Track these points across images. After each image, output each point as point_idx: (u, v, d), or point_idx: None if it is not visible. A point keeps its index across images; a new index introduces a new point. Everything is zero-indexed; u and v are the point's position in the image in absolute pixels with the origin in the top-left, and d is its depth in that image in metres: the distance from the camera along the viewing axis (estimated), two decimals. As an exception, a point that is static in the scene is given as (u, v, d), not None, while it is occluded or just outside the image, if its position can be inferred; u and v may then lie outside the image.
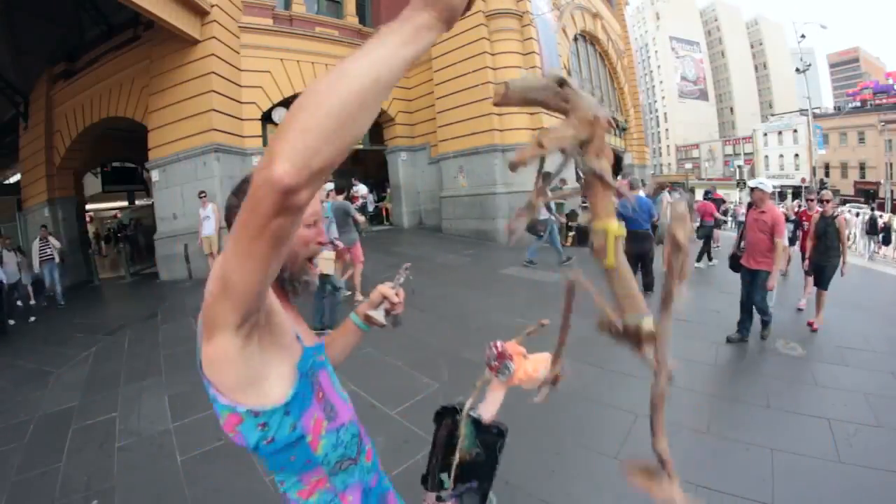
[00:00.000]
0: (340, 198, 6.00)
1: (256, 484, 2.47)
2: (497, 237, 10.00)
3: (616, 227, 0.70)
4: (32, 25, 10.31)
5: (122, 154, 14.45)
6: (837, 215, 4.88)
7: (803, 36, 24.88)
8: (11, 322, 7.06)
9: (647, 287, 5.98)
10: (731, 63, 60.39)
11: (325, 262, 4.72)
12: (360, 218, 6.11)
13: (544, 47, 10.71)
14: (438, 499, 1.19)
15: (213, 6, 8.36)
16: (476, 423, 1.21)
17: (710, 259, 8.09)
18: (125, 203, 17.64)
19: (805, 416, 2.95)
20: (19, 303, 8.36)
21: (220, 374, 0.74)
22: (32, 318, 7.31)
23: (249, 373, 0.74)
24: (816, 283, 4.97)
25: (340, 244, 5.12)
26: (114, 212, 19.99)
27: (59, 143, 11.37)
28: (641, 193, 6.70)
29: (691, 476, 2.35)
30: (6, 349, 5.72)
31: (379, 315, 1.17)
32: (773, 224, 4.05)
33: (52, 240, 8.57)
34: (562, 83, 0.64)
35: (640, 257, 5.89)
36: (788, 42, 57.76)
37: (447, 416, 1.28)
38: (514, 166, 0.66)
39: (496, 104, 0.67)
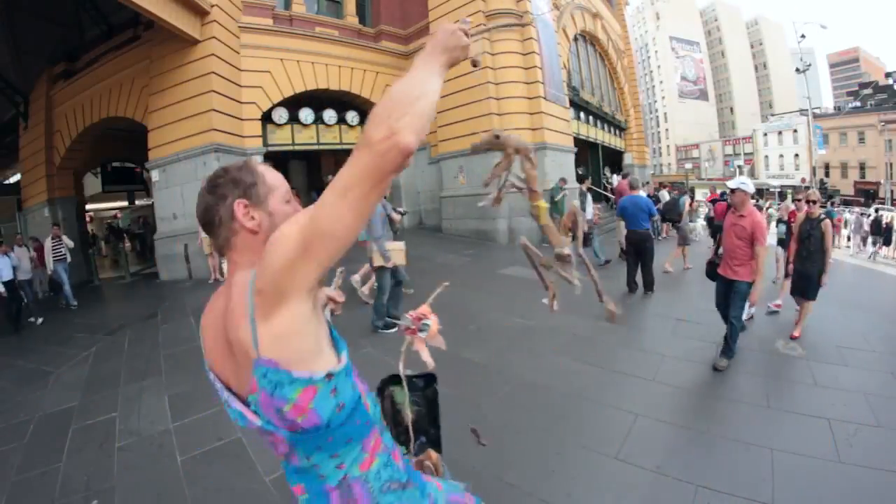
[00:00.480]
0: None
1: (256, 484, 2.47)
2: (497, 237, 9.99)
3: (543, 204, 1.56)
4: (32, 25, 10.31)
5: (122, 154, 14.43)
6: (823, 218, 4.43)
7: (803, 36, 24.90)
8: (31, 320, 7.07)
9: (647, 287, 5.97)
10: (731, 63, 60.36)
11: (397, 254, 4.67)
12: (396, 216, 6.24)
13: (544, 47, 10.71)
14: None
15: (213, 6, 8.36)
16: (408, 383, 1.34)
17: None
18: (125, 203, 17.65)
19: (805, 416, 2.95)
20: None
21: (292, 346, 0.75)
22: (37, 320, 7.19)
23: (318, 336, 0.80)
24: (800, 293, 4.48)
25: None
26: (114, 212, 20.00)
27: (59, 143, 11.37)
28: (642, 193, 6.67)
29: (691, 476, 2.36)
30: (7, 349, 5.72)
31: (325, 314, 1.24)
32: (753, 230, 3.60)
33: (65, 239, 8.41)
34: (497, 136, 1.42)
35: (639, 255, 5.92)
36: (788, 42, 57.80)
37: (385, 387, 1.39)
38: (474, 149, 1.39)
39: (470, 153, 1.40)
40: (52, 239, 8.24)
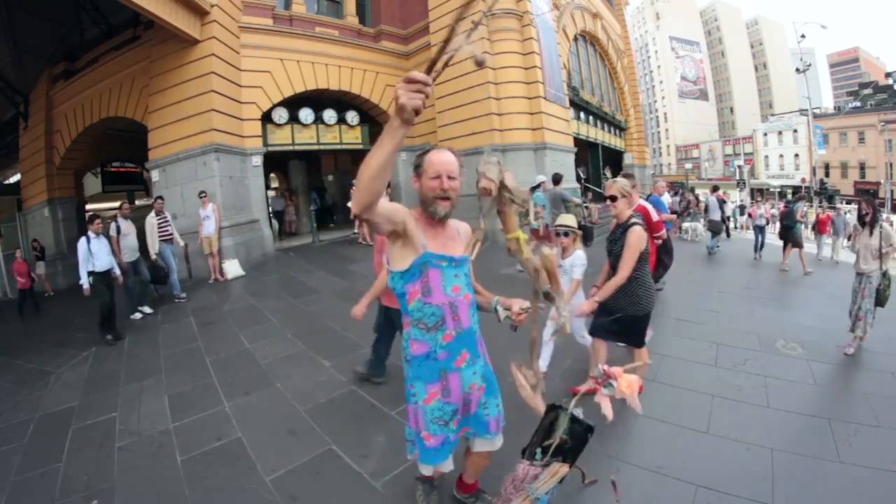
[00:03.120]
0: (558, 187, 7.53)
1: (256, 484, 2.47)
2: (497, 237, 9.99)
3: (522, 236, 1.60)
4: (32, 25, 10.30)
5: (122, 154, 14.44)
6: (632, 224, 2.83)
7: (803, 36, 24.89)
8: (147, 311, 6.05)
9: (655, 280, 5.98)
10: (731, 63, 60.34)
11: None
12: (577, 200, 7.29)
13: (544, 47, 10.71)
14: (531, 464, 1.74)
15: (213, 6, 8.35)
16: (573, 419, 1.76)
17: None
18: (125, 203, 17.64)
19: (804, 415, 2.95)
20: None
21: (390, 257, 1.62)
22: (139, 313, 6.10)
23: (396, 256, 1.59)
24: (615, 336, 3.06)
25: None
26: (114, 212, 19.97)
27: (59, 143, 11.37)
28: (666, 196, 7.36)
29: (691, 476, 2.36)
30: (6, 348, 5.71)
31: (502, 314, 1.70)
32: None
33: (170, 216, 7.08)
34: (505, 188, 1.59)
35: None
36: (788, 42, 57.77)
37: (552, 410, 1.87)
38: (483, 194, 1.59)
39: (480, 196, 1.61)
40: (157, 215, 6.91)
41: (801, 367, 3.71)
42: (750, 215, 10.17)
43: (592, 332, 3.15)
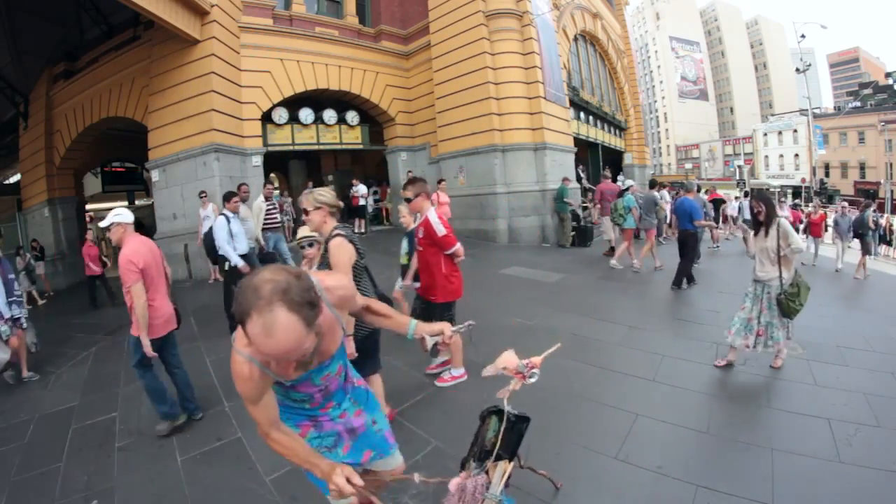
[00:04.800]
0: (653, 191, 8.32)
1: (256, 484, 2.47)
2: (497, 237, 9.99)
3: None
4: (32, 25, 10.30)
5: (122, 154, 14.45)
6: (335, 235, 2.41)
7: (803, 36, 24.87)
8: None
9: (681, 279, 6.30)
10: (731, 63, 60.35)
11: None
12: (665, 206, 8.43)
13: (544, 47, 10.70)
14: (474, 474, 1.60)
15: (213, 6, 8.35)
16: (504, 418, 1.69)
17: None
18: (125, 203, 17.66)
19: (805, 416, 2.94)
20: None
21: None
22: None
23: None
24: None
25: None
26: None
27: (59, 143, 11.37)
28: (704, 197, 8.08)
29: (691, 476, 2.35)
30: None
31: (430, 342, 1.58)
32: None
33: (282, 201, 6.31)
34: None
35: (680, 249, 6.44)
36: (788, 42, 57.75)
37: (488, 417, 1.78)
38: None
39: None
40: (266, 201, 6.30)
41: (801, 367, 3.71)
42: (811, 224, 9.11)
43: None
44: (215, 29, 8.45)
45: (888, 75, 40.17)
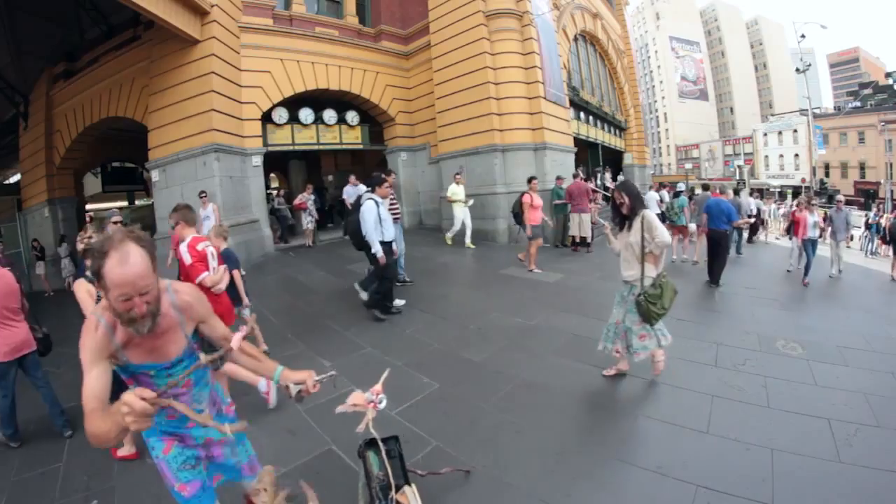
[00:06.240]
0: (708, 192, 8.26)
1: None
2: (497, 237, 9.98)
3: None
4: (32, 25, 10.31)
5: (122, 154, 14.46)
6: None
7: (803, 36, 24.84)
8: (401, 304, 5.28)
9: (714, 279, 6.43)
10: (731, 63, 60.32)
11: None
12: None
13: (544, 47, 10.70)
14: None
15: (213, 6, 8.34)
16: (379, 446, 1.87)
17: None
18: (125, 203, 17.67)
19: (805, 416, 2.94)
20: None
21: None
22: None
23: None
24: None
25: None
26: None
27: (59, 143, 11.37)
28: (741, 198, 8.66)
29: (691, 476, 2.36)
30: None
31: (294, 389, 1.61)
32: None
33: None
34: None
35: (711, 249, 6.60)
36: (788, 42, 57.77)
37: (365, 451, 1.97)
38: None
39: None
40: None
41: (801, 367, 3.71)
42: (794, 223, 7.68)
43: None
44: (215, 29, 8.44)
45: (888, 75, 40.10)
